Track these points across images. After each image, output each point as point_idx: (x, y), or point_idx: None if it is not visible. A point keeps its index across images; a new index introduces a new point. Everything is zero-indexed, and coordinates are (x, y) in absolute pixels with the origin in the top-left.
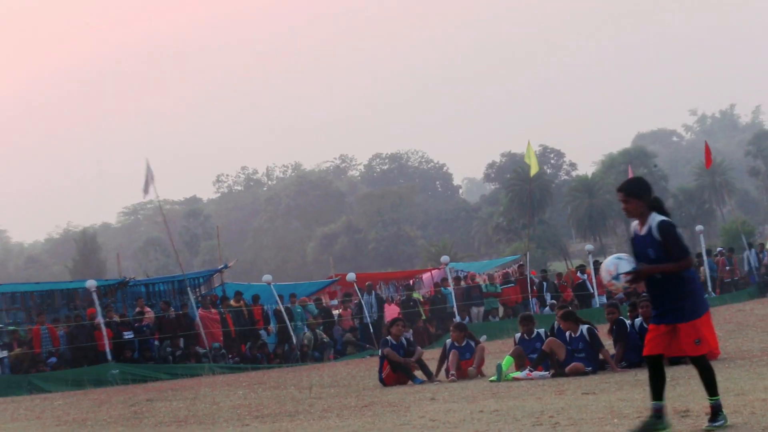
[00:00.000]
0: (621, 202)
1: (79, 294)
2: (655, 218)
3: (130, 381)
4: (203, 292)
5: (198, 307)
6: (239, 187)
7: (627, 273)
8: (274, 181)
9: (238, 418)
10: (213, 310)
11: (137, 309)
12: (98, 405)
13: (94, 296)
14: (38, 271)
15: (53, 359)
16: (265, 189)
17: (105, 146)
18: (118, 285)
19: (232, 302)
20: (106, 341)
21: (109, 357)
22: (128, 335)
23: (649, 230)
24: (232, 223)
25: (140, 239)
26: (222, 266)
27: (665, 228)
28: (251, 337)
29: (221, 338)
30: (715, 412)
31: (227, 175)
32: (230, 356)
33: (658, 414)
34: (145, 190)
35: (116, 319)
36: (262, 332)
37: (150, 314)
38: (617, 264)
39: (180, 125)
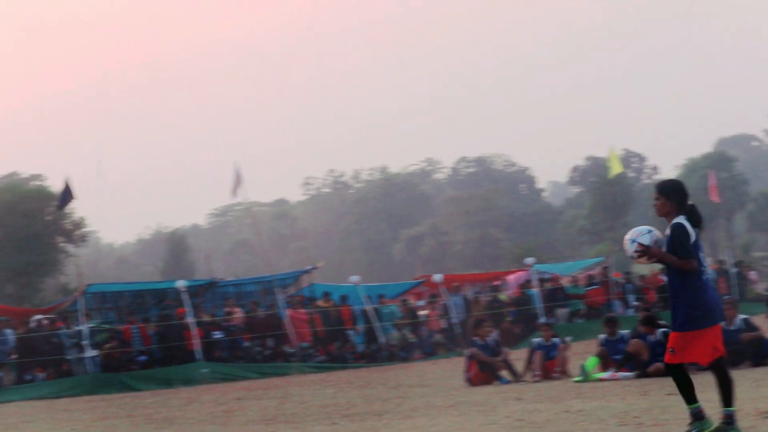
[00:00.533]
0: (654, 199)
1: (169, 294)
2: (675, 220)
3: (220, 380)
4: (292, 292)
5: (286, 308)
6: (327, 190)
7: (640, 244)
8: (362, 183)
9: (327, 416)
10: (301, 310)
11: (226, 309)
12: (188, 403)
13: (184, 296)
14: (129, 272)
15: (143, 358)
16: (352, 191)
17: (195, 148)
18: (208, 285)
19: (320, 302)
20: (196, 340)
21: (199, 356)
22: (218, 335)
23: (668, 230)
24: (320, 225)
25: (229, 240)
26: (310, 267)
27: (674, 228)
28: (339, 336)
29: (309, 338)
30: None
31: (315, 178)
32: (318, 356)
33: (699, 416)
34: (234, 192)
35: (206, 318)
36: (351, 332)
37: (239, 314)
38: (642, 233)
39: (269, 128)
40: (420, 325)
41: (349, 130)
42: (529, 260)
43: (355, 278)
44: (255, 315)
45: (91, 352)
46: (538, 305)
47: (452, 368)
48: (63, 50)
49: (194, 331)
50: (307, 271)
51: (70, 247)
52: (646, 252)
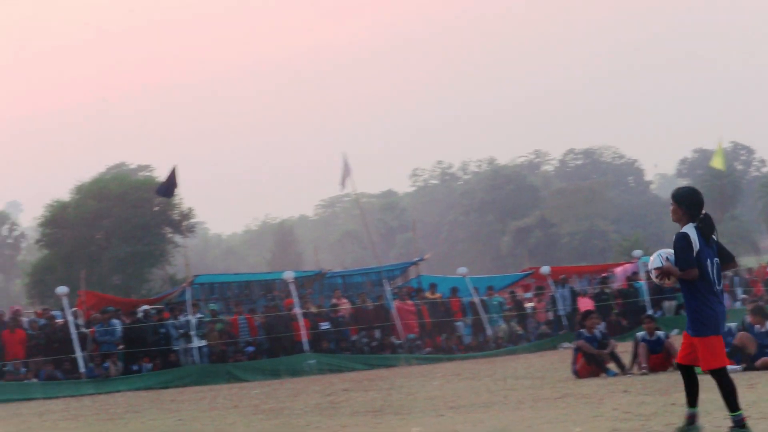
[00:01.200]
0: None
1: (276, 285)
2: (682, 230)
3: (327, 371)
4: (399, 283)
5: (394, 299)
6: (435, 181)
7: (656, 269)
8: (470, 175)
9: (434, 408)
10: (409, 302)
11: (333, 300)
12: (295, 394)
13: (292, 287)
14: (236, 262)
15: (251, 349)
16: (460, 183)
17: (303, 139)
18: (316, 276)
19: (427, 294)
20: (303, 331)
21: (306, 347)
22: (325, 326)
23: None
24: (428, 216)
25: (337, 231)
26: (418, 258)
27: (676, 238)
28: (446, 328)
29: (416, 329)
30: (689, 420)
31: (423, 169)
32: (425, 347)
33: (690, 421)
34: (342, 184)
35: (313, 309)
36: (458, 324)
37: (346, 305)
38: (654, 259)
39: (377, 119)
40: (527, 317)
41: (457, 121)
42: (637, 252)
43: (462, 270)
44: (362, 306)
45: (198, 343)
46: (646, 298)
47: (559, 360)
48: (175, 45)
49: (301, 323)
50: (414, 263)
51: (177, 238)
52: (662, 273)
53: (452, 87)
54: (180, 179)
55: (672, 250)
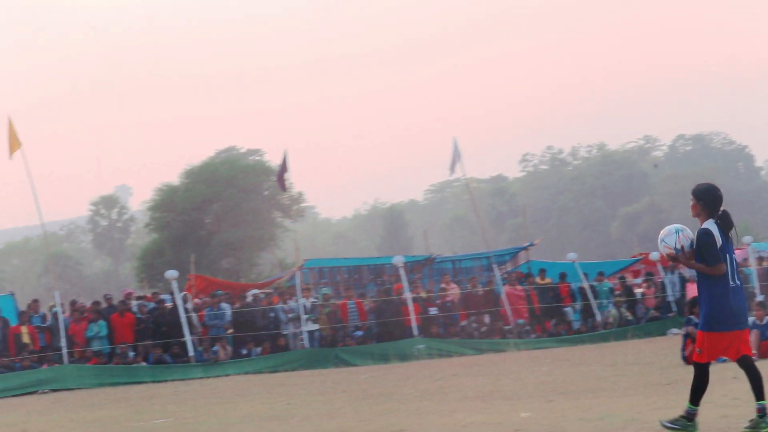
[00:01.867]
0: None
1: (386, 269)
2: (703, 225)
3: (436, 356)
4: (509, 269)
5: (503, 284)
6: (545, 167)
7: (668, 247)
8: (579, 160)
9: (542, 394)
10: (518, 287)
11: (443, 285)
12: (404, 379)
13: (402, 272)
14: (345, 247)
15: (360, 333)
16: (570, 168)
17: (413, 124)
18: (425, 261)
19: (537, 279)
20: (413, 316)
21: (415, 332)
22: (434, 311)
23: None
24: (537, 202)
25: (446, 216)
26: (527, 244)
27: (699, 234)
28: (556, 313)
29: (526, 315)
30: (760, 414)
31: (533, 155)
32: (534, 332)
33: (690, 417)
34: (452, 169)
35: (423, 294)
36: (568, 309)
37: (455, 290)
38: (670, 233)
39: (488, 104)
40: (636, 302)
41: (566, 106)
42: (747, 239)
43: (572, 255)
44: (472, 291)
45: (308, 327)
46: (755, 284)
47: (668, 346)
48: (295, 30)
49: (411, 307)
50: (524, 248)
51: (287, 222)
52: (673, 257)
53: (562, 72)
54: (290, 164)
55: (687, 231)
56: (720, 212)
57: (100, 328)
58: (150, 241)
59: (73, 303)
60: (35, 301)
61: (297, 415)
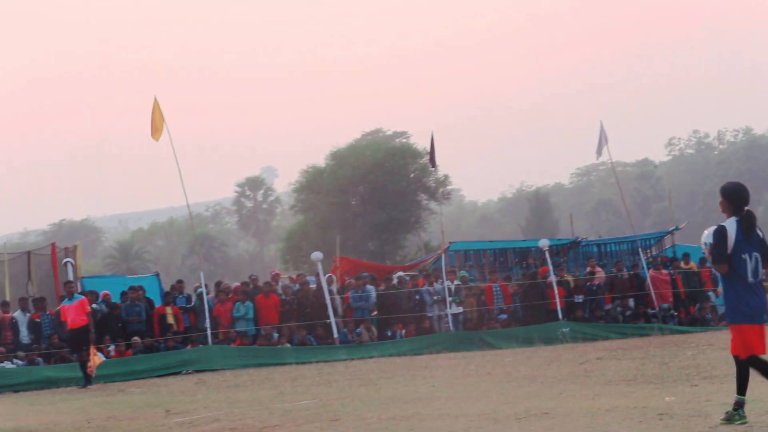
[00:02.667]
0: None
1: (531, 252)
2: (722, 223)
3: (580, 339)
4: (654, 253)
5: (648, 268)
6: (690, 150)
7: (705, 246)
8: (725, 145)
9: (687, 378)
10: (663, 271)
11: (588, 269)
12: (548, 362)
13: (547, 255)
14: (491, 230)
15: (504, 316)
16: (716, 153)
17: (558, 107)
18: (571, 245)
19: (681, 264)
20: (557, 300)
21: (560, 315)
22: (579, 295)
23: None
24: (683, 186)
25: (592, 200)
26: (673, 228)
27: (714, 233)
28: (700, 298)
29: (671, 299)
30: (735, 407)
31: (679, 139)
32: (679, 317)
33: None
34: (599, 152)
35: (568, 278)
36: (711, 294)
37: (600, 274)
38: (707, 234)
39: (635, 88)
40: None
41: (713, 89)
42: None
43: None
44: (617, 275)
45: (453, 310)
46: None
47: None
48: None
49: (556, 291)
50: (670, 232)
51: (433, 205)
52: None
53: (709, 56)
54: (437, 146)
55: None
56: (744, 212)
57: (246, 309)
58: (295, 222)
59: (218, 284)
60: (180, 281)
61: (441, 397)
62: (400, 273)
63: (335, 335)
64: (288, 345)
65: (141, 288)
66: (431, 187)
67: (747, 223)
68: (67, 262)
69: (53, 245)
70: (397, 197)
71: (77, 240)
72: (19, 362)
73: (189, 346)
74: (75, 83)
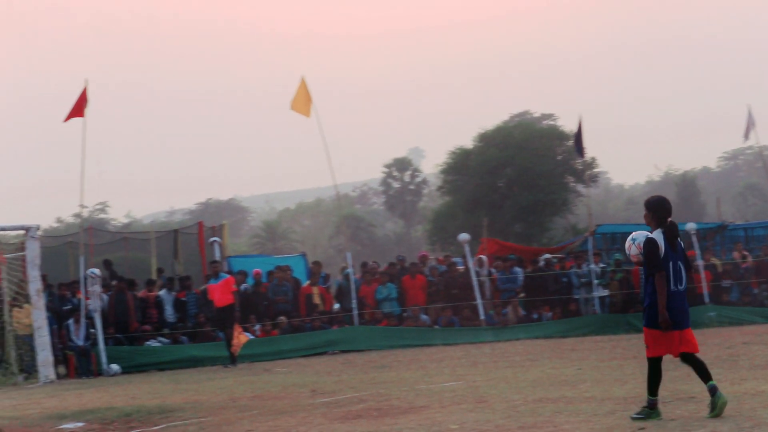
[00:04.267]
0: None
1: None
2: (650, 235)
3: (727, 323)
4: None
5: None
6: None
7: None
8: None
9: None
10: None
11: (735, 253)
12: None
13: (694, 239)
14: (638, 213)
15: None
16: None
17: (705, 89)
18: (717, 229)
19: None
20: (704, 284)
21: (707, 299)
22: (726, 280)
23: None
24: None
25: (739, 184)
26: None
27: (645, 242)
28: None
29: None
30: (649, 407)
31: None
32: None
33: (652, 405)
34: (746, 136)
35: (715, 262)
36: None
37: (748, 259)
38: (635, 239)
39: None
40: None
41: None
42: None
43: None
44: (765, 259)
45: (600, 293)
46: None
47: None
48: None
49: (702, 275)
50: None
51: (579, 187)
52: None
53: None
54: (584, 129)
55: (640, 236)
56: (668, 223)
57: (390, 290)
58: (442, 204)
59: (364, 264)
60: (316, 263)
61: (587, 380)
62: (547, 255)
63: (481, 317)
64: (435, 326)
65: (288, 268)
66: (578, 170)
67: (671, 233)
68: (214, 241)
69: (200, 224)
70: (543, 179)
71: (224, 219)
72: (164, 340)
73: (335, 327)
74: (222, 65)
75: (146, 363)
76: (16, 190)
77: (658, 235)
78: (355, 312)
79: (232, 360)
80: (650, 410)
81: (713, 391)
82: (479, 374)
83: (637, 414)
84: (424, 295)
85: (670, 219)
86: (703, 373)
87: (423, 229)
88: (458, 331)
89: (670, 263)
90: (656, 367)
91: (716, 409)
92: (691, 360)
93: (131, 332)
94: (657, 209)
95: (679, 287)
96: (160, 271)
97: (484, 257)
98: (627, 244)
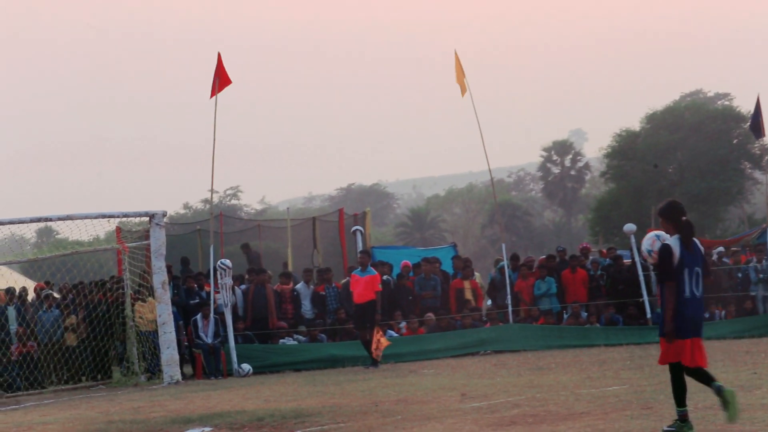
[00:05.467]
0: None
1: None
2: (666, 241)
3: None
4: None
5: None
6: None
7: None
8: None
9: None
10: None
11: None
12: None
13: None
14: None
15: None
16: None
17: None
18: None
19: None
20: None
21: None
22: None
23: None
24: None
25: None
26: None
27: (660, 249)
28: None
29: None
30: (680, 419)
31: None
32: None
33: (683, 418)
34: None
35: None
36: None
37: None
38: (648, 239)
39: None
40: None
41: None
42: None
43: None
44: None
45: None
46: None
47: None
48: None
49: None
50: None
51: (757, 174)
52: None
53: None
54: (763, 110)
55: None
56: (683, 222)
57: (547, 285)
58: (606, 191)
59: (516, 258)
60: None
61: (764, 386)
62: (721, 248)
63: (648, 315)
64: (597, 325)
65: (436, 260)
66: (756, 155)
67: (687, 235)
68: (356, 230)
69: (341, 211)
70: (717, 165)
71: (367, 206)
72: (301, 338)
73: (488, 325)
74: (369, 46)
75: (281, 363)
76: (139, 174)
77: (674, 242)
78: (510, 309)
79: (374, 362)
80: (682, 423)
81: (719, 390)
82: (645, 378)
83: (669, 427)
84: (585, 291)
85: (685, 218)
86: (705, 377)
87: (584, 219)
88: (622, 330)
89: (685, 270)
90: (678, 376)
91: (730, 404)
92: (695, 374)
93: (270, 329)
94: (669, 215)
95: (696, 293)
96: (184, 262)
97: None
98: (650, 241)
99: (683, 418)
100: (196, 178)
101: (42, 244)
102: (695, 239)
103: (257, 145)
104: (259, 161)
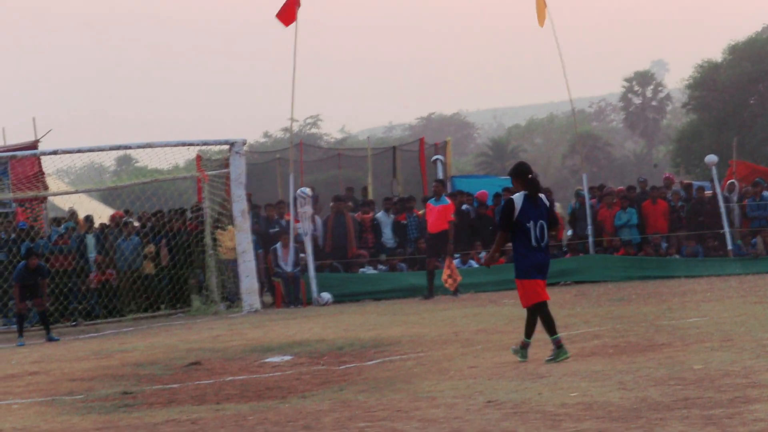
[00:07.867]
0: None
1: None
2: (512, 196)
3: None
4: None
5: None
6: None
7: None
8: None
9: None
10: None
11: None
12: None
13: None
14: None
15: None
16: None
17: None
18: None
19: None
20: None
21: None
22: None
23: None
24: None
25: None
26: None
27: (504, 204)
28: None
29: None
30: (522, 346)
31: None
32: None
33: (558, 344)
34: None
35: None
36: None
37: None
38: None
39: None
40: None
41: None
42: None
43: None
44: None
45: None
46: None
47: None
48: None
49: None
50: None
51: None
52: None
53: None
54: None
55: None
56: (529, 179)
57: (628, 215)
58: (687, 122)
59: (601, 187)
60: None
61: None
62: None
63: (729, 247)
64: (677, 256)
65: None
66: None
67: (533, 189)
68: (437, 159)
69: (421, 140)
70: None
71: (447, 135)
72: (382, 267)
73: (568, 255)
74: None
75: (361, 292)
76: (219, 103)
77: (518, 197)
78: (591, 239)
79: (430, 293)
80: (558, 349)
81: (560, 343)
82: (726, 310)
83: (549, 357)
84: (666, 223)
85: (531, 176)
86: (551, 327)
87: (666, 150)
88: (703, 262)
89: (529, 223)
90: (544, 310)
91: (555, 360)
92: (542, 311)
93: (349, 258)
94: (517, 175)
95: (541, 244)
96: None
97: (735, 181)
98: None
99: (558, 344)
100: (276, 107)
101: (121, 172)
102: (541, 195)
103: (338, 73)
104: (339, 90)
